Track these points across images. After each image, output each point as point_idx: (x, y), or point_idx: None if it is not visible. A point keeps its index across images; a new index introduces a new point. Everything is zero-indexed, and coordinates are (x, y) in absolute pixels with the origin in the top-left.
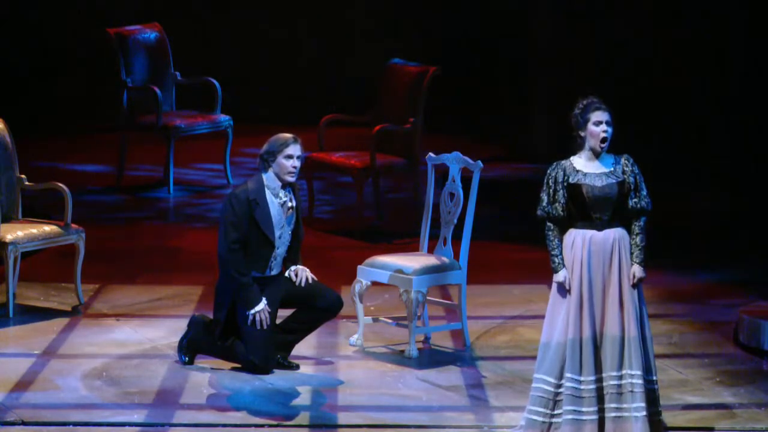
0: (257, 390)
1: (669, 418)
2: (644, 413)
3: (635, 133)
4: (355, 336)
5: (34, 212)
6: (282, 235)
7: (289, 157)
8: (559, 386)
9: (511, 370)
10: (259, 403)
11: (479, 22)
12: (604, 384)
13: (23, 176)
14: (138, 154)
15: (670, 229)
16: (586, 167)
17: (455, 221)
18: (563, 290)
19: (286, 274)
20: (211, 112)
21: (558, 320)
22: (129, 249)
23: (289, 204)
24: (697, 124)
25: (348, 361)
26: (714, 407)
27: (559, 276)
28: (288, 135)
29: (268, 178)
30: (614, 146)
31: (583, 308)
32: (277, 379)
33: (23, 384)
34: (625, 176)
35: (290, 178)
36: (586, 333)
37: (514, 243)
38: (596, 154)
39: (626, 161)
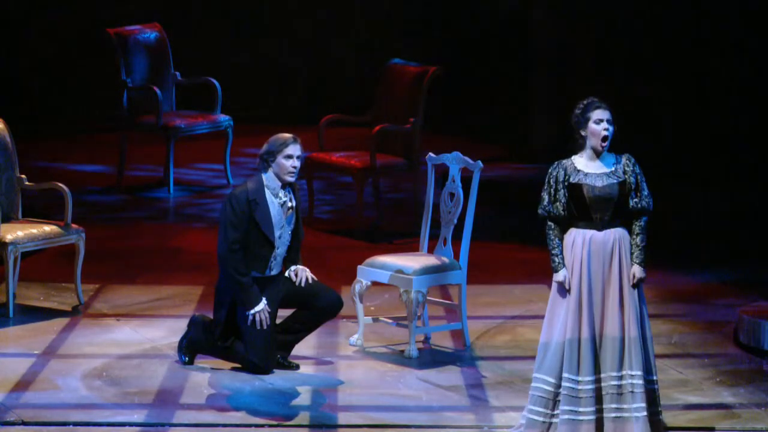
0: (257, 390)
1: (669, 418)
2: (645, 413)
3: (635, 133)
4: (355, 336)
5: (34, 212)
6: (282, 235)
7: (289, 157)
8: (559, 386)
9: (511, 370)
10: (259, 403)
11: (479, 22)
12: (603, 384)
13: (23, 176)
14: (138, 154)
15: (670, 229)
16: (587, 167)
17: (455, 221)
18: (563, 290)
19: (286, 274)
20: (211, 112)
21: (558, 320)
22: (129, 249)
23: (289, 204)
24: (697, 123)
25: (348, 361)
26: (714, 407)
27: (559, 276)
28: (288, 135)
29: (268, 178)
30: (615, 146)
31: (583, 308)
32: (277, 379)
33: (23, 384)
34: (626, 176)
35: (290, 178)
36: (585, 333)
37: (514, 243)
38: (597, 154)
39: (627, 161)
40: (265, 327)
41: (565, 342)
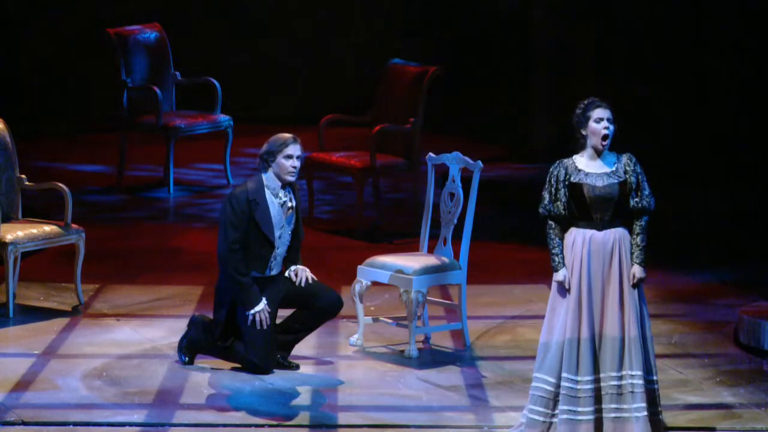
0: (257, 390)
1: (669, 418)
2: (645, 413)
3: (635, 133)
4: (355, 336)
5: (34, 212)
6: (282, 235)
7: (289, 157)
8: (559, 386)
9: (511, 370)
10: (259, 403)
11: (479, 22)
12: (603, 384)
13: (23, 176)
14: (138, 154)
15: (670, 229)
16: (588, 167)
17: (455, 221)
18: (563, 290)
19: (286, 274)
20: (211, 112)
21: (558, 320)
22: (129, 249)
23: (289, 204)
24: (697, 123)
25: (348, 361)
26: (714, 407)
27: (559, 275)
28: (288, 135)
29: (268, 178)
30: (616, 146)
31: (582, 308)
32: (277, 379)
33: (23, 384)
34: (627, 176)
35: (290, 178)
36: (585, 333)
37: (514, 243)
38: (598, 153)
39: (628, 160)
40: (265, 327)
41: (565, 342)
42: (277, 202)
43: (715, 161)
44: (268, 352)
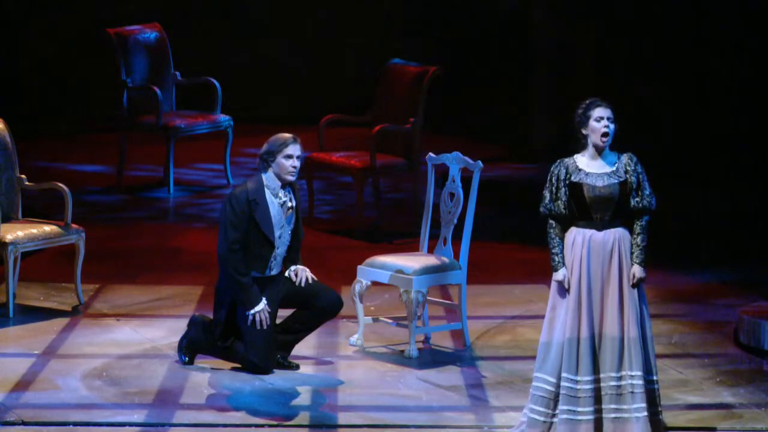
0: (257, 390)
1: (669, 418)
2: (645, 414)
3: (635, 133)
4: (355, 336)
5: (34, 212)
6: (282, 235)
7: (289, 156)
8: (560, 386)
9: (511, 370)
10: (259, 403)
11: (479, 22)
12: (603, 384)
13: (23, 176)
14: (138, 154)
15: (670, 229)
16: (589, 166)
17: (455, 221)
18: (563, 289)
19: (286, 274)
20: (211, 112)
21: (558, 320)
22: (129, 249)
23: (289, 204)
24: (697, 123)
25: (348, 361)
26: (714, 407)
27: (559, 275)
28: (287, 135)
29: (268, 178)
30: (616, 146)
31: (582, 308)
32: (277, 379)
33: (23, 384)
34: (627, 176)
35: (290, 178)
36: (584, 333)
37: (514, 243)
38: (599, 151)
39: (629, 160)
40: (265, 327)
41: (564, 342)
42: (277, 202)
43: (715, 161)
44: (268, 352)
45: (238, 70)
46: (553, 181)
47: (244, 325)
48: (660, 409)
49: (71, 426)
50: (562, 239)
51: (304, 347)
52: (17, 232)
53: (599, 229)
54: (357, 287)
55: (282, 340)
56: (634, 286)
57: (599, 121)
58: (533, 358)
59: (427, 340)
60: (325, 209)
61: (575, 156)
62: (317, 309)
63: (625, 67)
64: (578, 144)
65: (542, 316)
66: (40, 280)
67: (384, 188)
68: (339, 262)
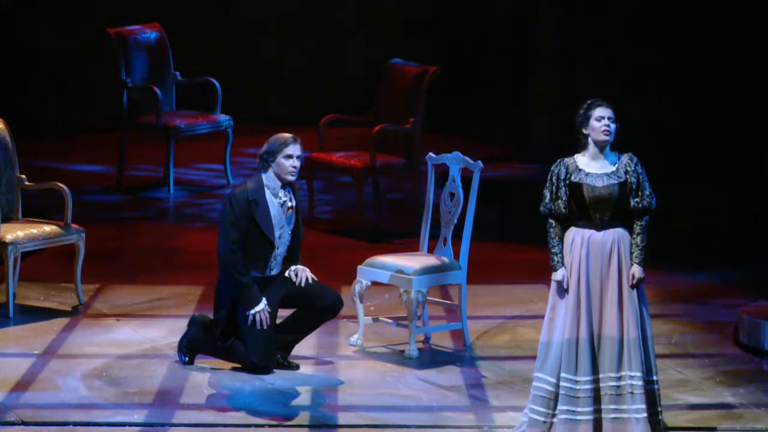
0: (257, 390)
1: (669, 418)
2: (645, 414)
3: (635, 133)
4: (355, 336)
5: (34, 212)
6: (282, 235)
7: (289, 156)
8: (559, 386)
9: (511, 370)
10: (259, 403)
11: (479, 22)
12: (602, 385)
13: (23, 176)
14: (138, 154)
15: (670, 229)
16: (589, 166)
17: (455, 221)
18: (562, 289)
19: (286, 274)
20: (211, 112)
21: (558, 320)
22: (129, 249)
23: (289, 204)
24: (698, 123)
25: (348, 361)
26: (714, 407)
27: (558, 275)
28: (287, 135)
29: (268, 178)
30: (617, 146)
31: (581, 308)
32: (277, 379)
33: (23, 384)
34: (627, 176)
35: (290, 178)
36: (583, 333)
37: (514, 243)
38: (600, 149)
39: (629, 160)
40: (265, 327)
41: (564, 342)
42: (277, 202)
43: (715, 161)
44: (268, 352)
45: (238, 70)
46: (553, 180)
47: (244, 325)
48: (660, 409)
49: (71, 426)
50: (561, 239)
51: (304, 347)
52: (17, 232)
53: (599, 229)
54: (357, 287)
55: (282, 340)
56: (633, 286)
57: (599, 121)
58: (533, 358)
59: (427, 340)
60: (325, 209)
61: (575, 156)
62: (317, 309)
63: (625, 67)
64: (579, 144)
65: (542, 316)
66: (40, 280)
67: (384, 188)
68: (339, 262)
